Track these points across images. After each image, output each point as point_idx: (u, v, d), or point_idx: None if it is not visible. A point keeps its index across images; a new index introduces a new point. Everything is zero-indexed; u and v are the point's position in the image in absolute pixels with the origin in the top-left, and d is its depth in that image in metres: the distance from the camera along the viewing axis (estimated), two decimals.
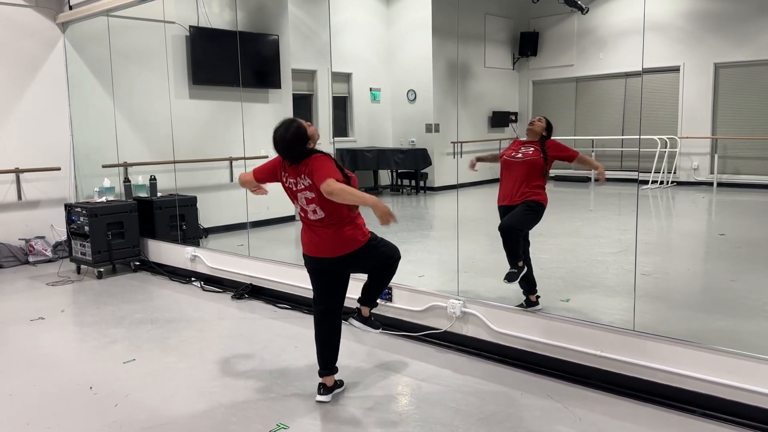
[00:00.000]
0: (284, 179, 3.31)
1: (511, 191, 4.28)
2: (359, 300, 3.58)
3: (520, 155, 4.28)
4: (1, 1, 6.86)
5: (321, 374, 3.41)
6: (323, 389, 3.38)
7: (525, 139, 4.41)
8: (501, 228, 4.19)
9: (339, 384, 3.50)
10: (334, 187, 3.00)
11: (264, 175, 3.43)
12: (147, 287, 6.00)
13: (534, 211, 4.23)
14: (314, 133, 3.25)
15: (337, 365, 3.45)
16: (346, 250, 3.25)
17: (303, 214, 3.32)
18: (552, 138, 4.40)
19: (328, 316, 3.42)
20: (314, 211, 3.23)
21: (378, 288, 3.55)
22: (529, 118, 4.32)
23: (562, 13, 11.60)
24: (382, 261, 3.42)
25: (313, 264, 3.37)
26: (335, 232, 3.24)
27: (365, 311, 3.58)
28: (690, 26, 10.99)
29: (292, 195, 3.31)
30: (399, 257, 3.49)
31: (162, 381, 3.71)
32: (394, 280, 4.29)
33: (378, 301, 3.75)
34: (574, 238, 6.95)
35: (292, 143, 3.17)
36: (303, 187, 3.21)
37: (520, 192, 4.23)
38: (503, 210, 4.35)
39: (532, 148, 4.29)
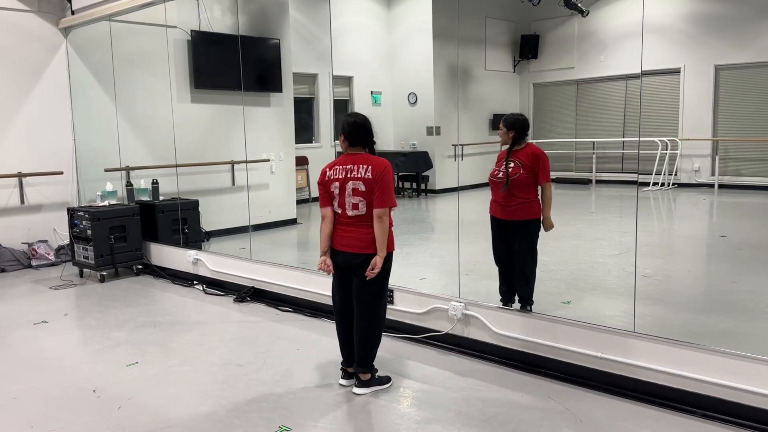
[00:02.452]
0: (333, 172, 3.43)
1: (502, 205, 4.21)
2: (354, 367, 3.56)
3: (501, 174, 4.16)
4: (4, 7, 6.90)
5: (345, 365, 3.60)
6: (358, 381, 3.53)
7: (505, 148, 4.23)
8: (519, 273, 4.24)
9: (382, 380, 3.57)
10: (385, 221, 3.32)
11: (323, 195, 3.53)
12: (149, 291, 6.02)
13: (531, 233, 4.20)
14: None
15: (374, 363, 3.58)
16: (363, 250, 3.37)
17: (340, 210, 3.41)
18: (534, 144, 4.23)
19: (345, 308, 3.55)
20: (355, 206, 3.35)
21: (362, 342, 3.50)
22: (531, 120, 4.22)
23: (562, 15, 11.62)
24: (376, 292, 3.46)
25: (337, 258, 3.48)
26: (367, 232, 3.36)
27: (364, 376, 3.53)
28: (690, 28, 11.01)
29: (341, 183, 3.37)
30: (384, 321, 3.60)
31: (165, 384, 3.72)
32: (397, 283, 4.32)
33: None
34: (575, 241, 6.96)
35: (360, 125, 3.43)
36: (359, 176, 3.32)
37: (512, 207, 4.16)
38: (497, 222, 4.28)
39: (512, 164, 4.14)
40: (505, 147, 4.23)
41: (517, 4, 11.94)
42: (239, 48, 7.09)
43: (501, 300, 4.32)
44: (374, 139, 3.48)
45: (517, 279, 4.28)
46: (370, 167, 3.33)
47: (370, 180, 3.32)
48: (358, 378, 3.53)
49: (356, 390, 3.51)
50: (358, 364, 3.51)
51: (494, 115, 11.38)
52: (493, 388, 3.54)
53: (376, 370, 3.59)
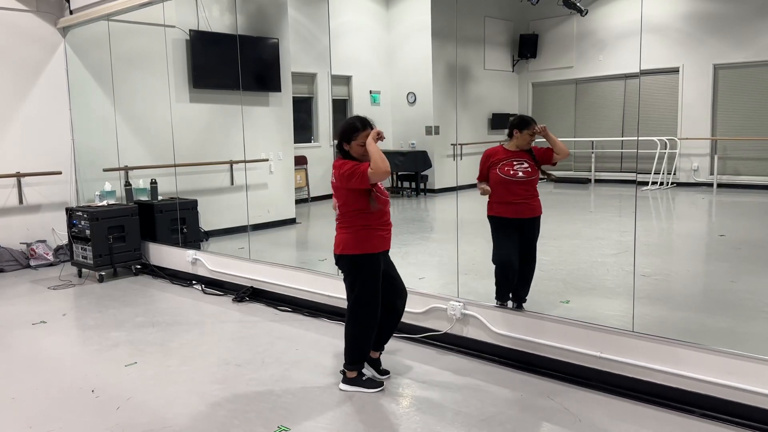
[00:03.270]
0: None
1: (521, 206, 4.19)
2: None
3: (521, 174, 4.15)
4: (2, 7, 6.89)
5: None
6: (343, 377, 3.57)
7: (511, 148, 4.24)
8: (525, 272, 4.27)
9: (365, 383, 3.54)
10: (374, 169, 3.21)
11: None
12: (148, 290, 6.02)
13: (539, 228, 4.28)
14: (363, 146, 3.32)
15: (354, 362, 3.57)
16: (336, 250, 3.48)
17: None
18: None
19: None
20: (335, 206, 3.50)
21: (346, 339, 3.53)
22: None
23: (561, 15, 11.62)
24: (353, 296, 3.47)
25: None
26: (337, 232, 3.48)
27: (350, 374, 3.55)
28: (689, 28, 11.01)
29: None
30: (363, 324, 3.48)
31: (163, 384, 3.72)
32: None
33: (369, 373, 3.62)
34: (575, 240, 6.95)
35: (338, 134, 3.45)
36: (332, 181, 3.45)
37: (530, 206, 4.21)
38: (512, 224, 4.19)
39: (525, 163, 4.17)
40: (504, 144, 4.29)
41: (515, 4, 11.93)
42: (238, 48, 7.09)
43: (498, 300, 4.31)
44: (351, 139, 3.35)
45: (522, 279, 4.28)
46: (333, 173, 3.43)
47: (335, 184, 3.43)
48: (343, 374, 3.58)
49: (340, 385, 3.56)
50: (344, 358, 3.58)
51: (493, 114, 11.38)
52: (492, 387, 3.54)
53: (369, 373, 3.61)
